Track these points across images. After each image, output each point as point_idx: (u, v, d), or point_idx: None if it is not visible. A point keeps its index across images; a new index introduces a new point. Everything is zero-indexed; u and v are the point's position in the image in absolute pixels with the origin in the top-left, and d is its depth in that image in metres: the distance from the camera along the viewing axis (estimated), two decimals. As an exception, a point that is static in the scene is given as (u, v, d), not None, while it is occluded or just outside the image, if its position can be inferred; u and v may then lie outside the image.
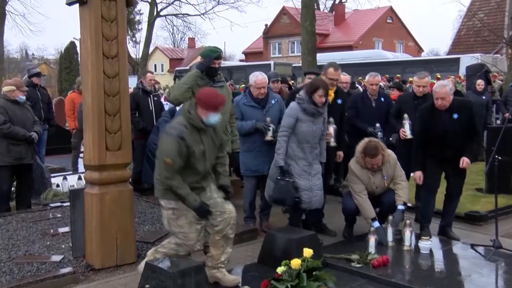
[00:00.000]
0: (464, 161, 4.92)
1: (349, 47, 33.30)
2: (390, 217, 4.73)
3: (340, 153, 5.46)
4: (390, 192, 4.95)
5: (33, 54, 50.16)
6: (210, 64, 4.47)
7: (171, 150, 3.48)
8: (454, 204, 5.30)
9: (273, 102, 5.47)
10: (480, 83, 10.08)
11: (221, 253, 3.83)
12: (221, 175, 3.90)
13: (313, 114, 4.85)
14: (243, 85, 5.74)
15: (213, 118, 3.60)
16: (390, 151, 4.98)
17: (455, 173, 5.09)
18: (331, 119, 5.18)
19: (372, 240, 4.43)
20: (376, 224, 4.71)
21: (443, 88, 4.85)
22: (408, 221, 4.70)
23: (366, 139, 4.94)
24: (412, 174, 5.19)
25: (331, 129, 5.19)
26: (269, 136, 5.26)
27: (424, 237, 4.61)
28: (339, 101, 5.44)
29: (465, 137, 4.96)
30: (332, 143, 5.21)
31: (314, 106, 4.81)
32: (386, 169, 4.89)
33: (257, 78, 5.39)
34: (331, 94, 5.22)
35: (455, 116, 4.91)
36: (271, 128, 5.27)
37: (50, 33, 67.35)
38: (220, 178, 3.88)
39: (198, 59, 5.16)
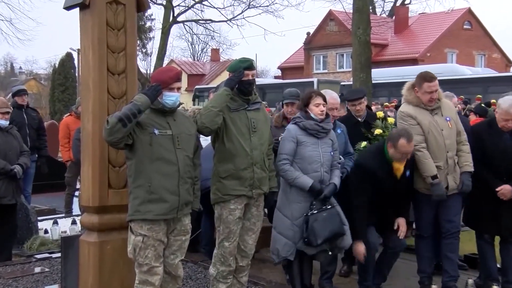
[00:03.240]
0: (504, 187, 5.01)
1: (413, 61, 33.23)
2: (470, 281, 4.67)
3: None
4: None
5: (20, 67, 51.90)
6: (242, 77, 4.46)
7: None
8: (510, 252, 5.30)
9: (339, 131, 5.27)
10: None
11: None
12: (194, 195, 4.23)
13: (316, 133, 4.81)
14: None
15: (169, 98, 4.00)
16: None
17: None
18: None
19: None
20: (436, 181, 4.92)
21: None
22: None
23: None
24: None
25: None
26: None
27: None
28: (408, 174, 5.09)
29: None
30: None
31: (314, 121, 4.81)
32: (445, 110, 5.11)
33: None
34: (400, 168, 4.95)
35: None
36: None
37: (42, 43, 69.69)
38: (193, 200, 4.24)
39: (223, 75, 5.23)
